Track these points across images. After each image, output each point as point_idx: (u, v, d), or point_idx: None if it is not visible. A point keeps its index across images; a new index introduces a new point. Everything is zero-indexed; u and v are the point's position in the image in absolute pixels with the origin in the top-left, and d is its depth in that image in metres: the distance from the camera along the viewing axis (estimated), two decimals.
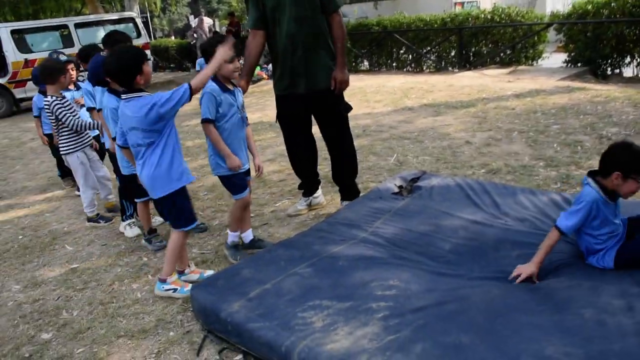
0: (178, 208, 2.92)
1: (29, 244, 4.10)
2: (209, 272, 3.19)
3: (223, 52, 2.79)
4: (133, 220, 4.07)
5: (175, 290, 2.99)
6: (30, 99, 12.17)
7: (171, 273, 3.02)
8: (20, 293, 3.30)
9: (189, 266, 3.22)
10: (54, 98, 4.06)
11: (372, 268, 2.79)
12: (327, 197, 4.27)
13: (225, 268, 3.05)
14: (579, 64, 9.40)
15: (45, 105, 4.10)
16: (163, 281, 3.01)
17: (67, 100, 4.18)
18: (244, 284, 2.72)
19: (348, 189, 3.96)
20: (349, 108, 3.75)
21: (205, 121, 3.05)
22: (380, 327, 2.25)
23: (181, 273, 3.14)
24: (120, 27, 13.60)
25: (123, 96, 2.77)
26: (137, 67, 2.71)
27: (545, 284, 2.49)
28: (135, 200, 3.79)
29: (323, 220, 3.51)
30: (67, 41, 12.77)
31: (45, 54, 11.59)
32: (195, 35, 16.16)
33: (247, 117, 3.30)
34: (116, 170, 3.83)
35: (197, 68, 14.16)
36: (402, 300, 2.46)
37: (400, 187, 3.83)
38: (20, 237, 4.31)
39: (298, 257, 2.98)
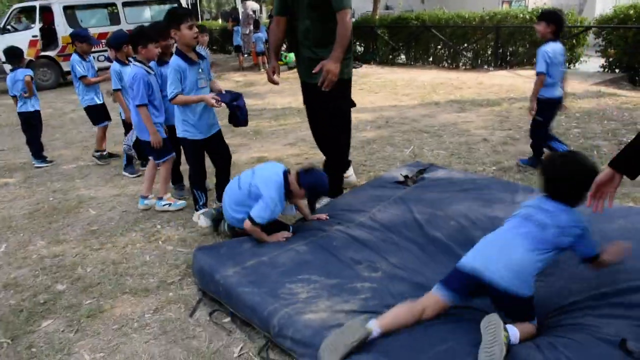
0: None
1: (58, 206, 4.42)
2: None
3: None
4: (207, 209, 3.90)
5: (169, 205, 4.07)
6: None
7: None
8: (44, 248, 3.60)
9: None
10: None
11: (363, 250, 2.94)
12: None
13: (230, 240, 3.25)
14: (617, 70, 9.19)
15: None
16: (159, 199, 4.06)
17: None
18: (243, 254, 2.92)
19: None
20: (352, 105, 3.80)
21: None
22: (359, 305, 2.41)
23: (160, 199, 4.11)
24: (165, 7, 14.01)
25: None
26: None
27: None
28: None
29: (325, 204, 3.68)
30: (114, 19, 13.25)
31: (93, 30, 12.11)
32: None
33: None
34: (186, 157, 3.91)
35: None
36: (385, 283, 2.61)
37: (405, 177, 3.95)
38: (51, 199, 4.64)
39: (297, 236, 3.17)
